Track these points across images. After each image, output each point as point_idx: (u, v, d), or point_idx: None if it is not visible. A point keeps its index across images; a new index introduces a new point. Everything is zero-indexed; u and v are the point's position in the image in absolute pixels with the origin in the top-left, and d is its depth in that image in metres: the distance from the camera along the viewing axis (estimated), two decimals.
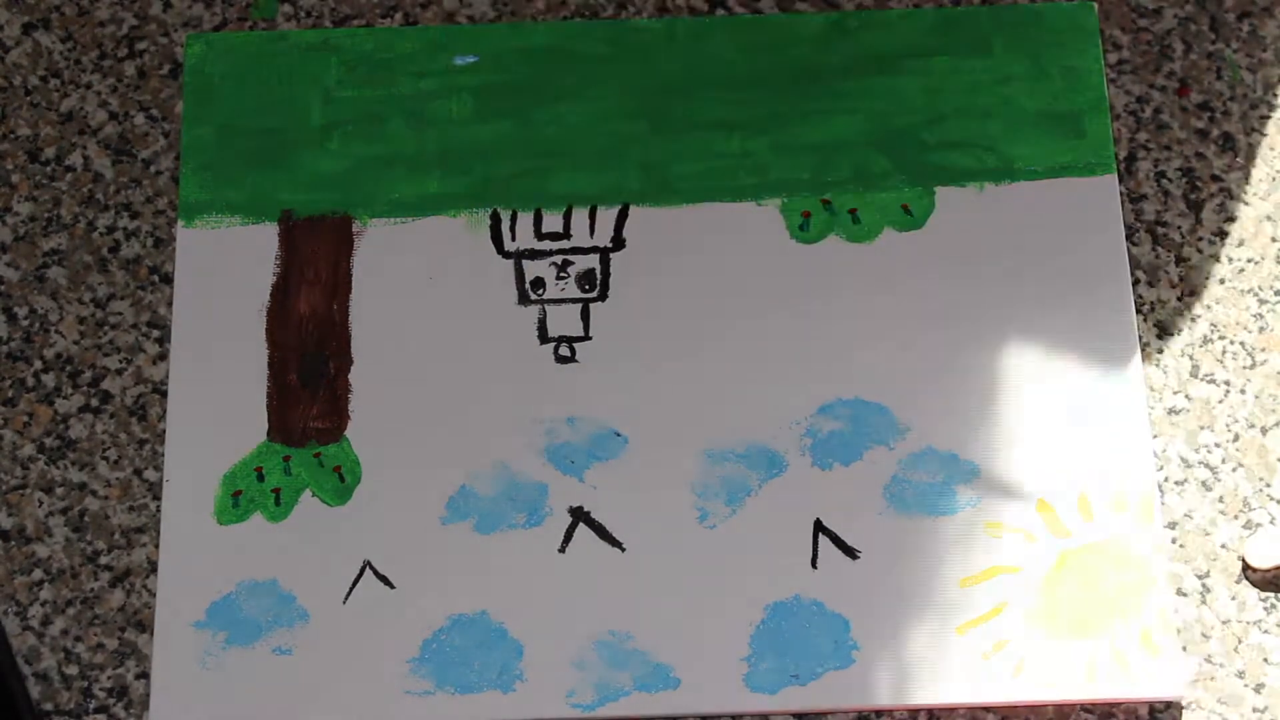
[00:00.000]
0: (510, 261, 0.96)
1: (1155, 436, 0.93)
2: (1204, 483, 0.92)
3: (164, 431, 0.93)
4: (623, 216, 0.97)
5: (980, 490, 0.92)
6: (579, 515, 0.92)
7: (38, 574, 0.92)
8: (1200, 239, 0.97)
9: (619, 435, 0.93)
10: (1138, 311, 0.95)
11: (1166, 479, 0.93)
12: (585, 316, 0.95)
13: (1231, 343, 0.95)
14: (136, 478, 0.93)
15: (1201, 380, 0.94)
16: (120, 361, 0.95)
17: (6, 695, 0.88)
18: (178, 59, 1.00)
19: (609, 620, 0.90)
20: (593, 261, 0.96)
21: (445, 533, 0.91)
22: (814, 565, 0.91)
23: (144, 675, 0.90)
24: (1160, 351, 0.95)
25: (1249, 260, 0.96)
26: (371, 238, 0.96)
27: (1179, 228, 0.97)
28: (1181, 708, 0.89)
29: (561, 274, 0.96)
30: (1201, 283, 0.96)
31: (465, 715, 0.89)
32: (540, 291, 0.95)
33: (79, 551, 0.92)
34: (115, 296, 0.96)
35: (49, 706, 0.89)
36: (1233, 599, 0.90)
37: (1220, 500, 0.92)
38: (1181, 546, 0.91)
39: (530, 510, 0.92)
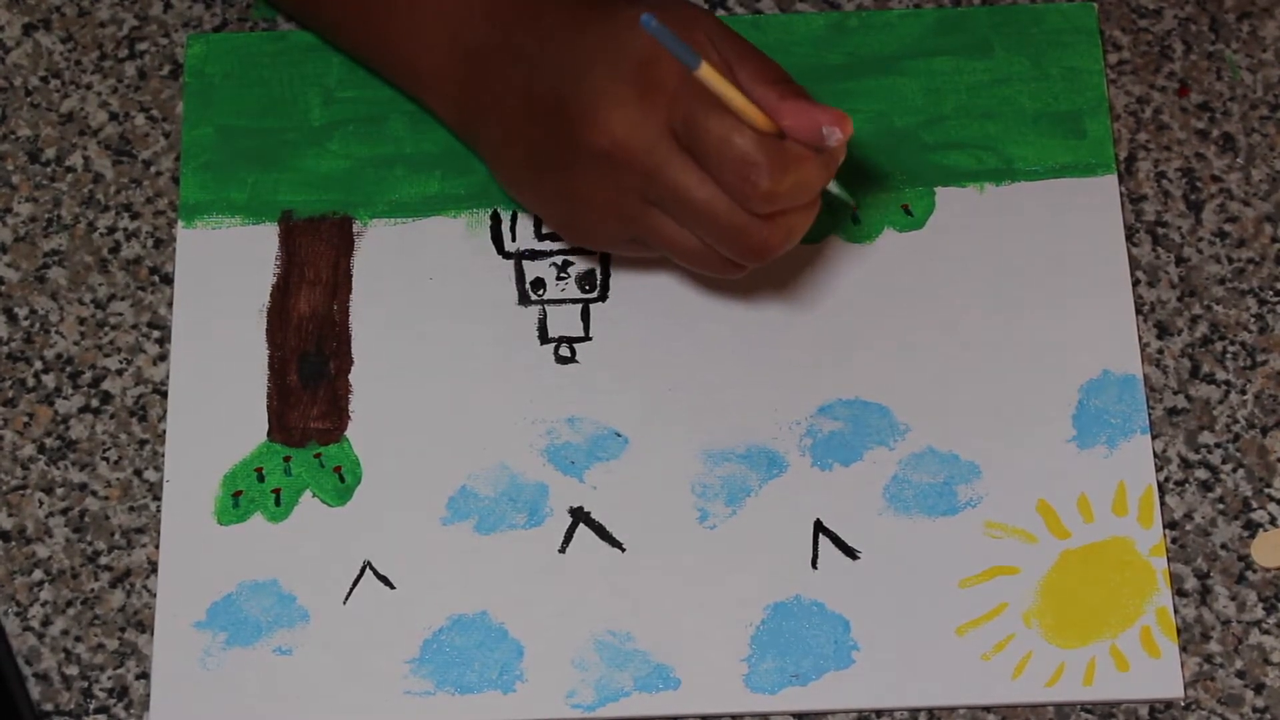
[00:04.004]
0: (510, 262, 0.96)
1: (1155, 436, 0.93)
2: (1204, 483, 0.92)
3: (164, 432, 0.93)
4: None
5: (980, 490, 0.92)
6: (579, 515, 0.92)
7: (38, 574, 0.92)
8: (1200, 239, 0.97)
9: (619, 435, 0.93)
10: (1138, 311, 0.95)
11: (1166, 479, 0.93)
12: (585, 317, 0.95)
13: (1231, 343, 0.95)
14: (136, 478, 0.93)
15: (1201, 380, 0.94)
16: (120, 362, 0.95)
17: (6, 695, 0.88)
18: (178, 59, 1.00)
19: (609, 620, 0.90)
20: (592, 262, 0.96)
21: (445, 533, 0.91)
22: (814, 566, 0.91)
23: (144, 675, 0.90)
24: (1160, 351, 0.95)
25: (1249, 260, 0.96)
26: (372, 238, 0.96)
27: (1179, 228, 0.97)
28: (1182, 708, 0.89)
29: (561, 274, 0.96)
30: (1201, 283, 0.96)
31: (465, 715, 0.89)
32: (540, 292, 0.95)
33: (79, 552, 0.92)
34: (115, 297, 0.96)
35: (49, 707, 0.89)
36: (1233, 599, 0.90)
37: (1220, 500, 0.92)
38: (1181, 547, 0.91)
39: (530, 510, 0.92)
